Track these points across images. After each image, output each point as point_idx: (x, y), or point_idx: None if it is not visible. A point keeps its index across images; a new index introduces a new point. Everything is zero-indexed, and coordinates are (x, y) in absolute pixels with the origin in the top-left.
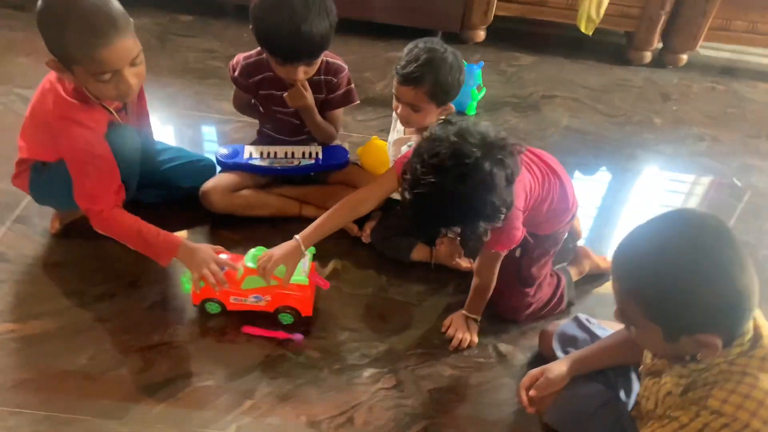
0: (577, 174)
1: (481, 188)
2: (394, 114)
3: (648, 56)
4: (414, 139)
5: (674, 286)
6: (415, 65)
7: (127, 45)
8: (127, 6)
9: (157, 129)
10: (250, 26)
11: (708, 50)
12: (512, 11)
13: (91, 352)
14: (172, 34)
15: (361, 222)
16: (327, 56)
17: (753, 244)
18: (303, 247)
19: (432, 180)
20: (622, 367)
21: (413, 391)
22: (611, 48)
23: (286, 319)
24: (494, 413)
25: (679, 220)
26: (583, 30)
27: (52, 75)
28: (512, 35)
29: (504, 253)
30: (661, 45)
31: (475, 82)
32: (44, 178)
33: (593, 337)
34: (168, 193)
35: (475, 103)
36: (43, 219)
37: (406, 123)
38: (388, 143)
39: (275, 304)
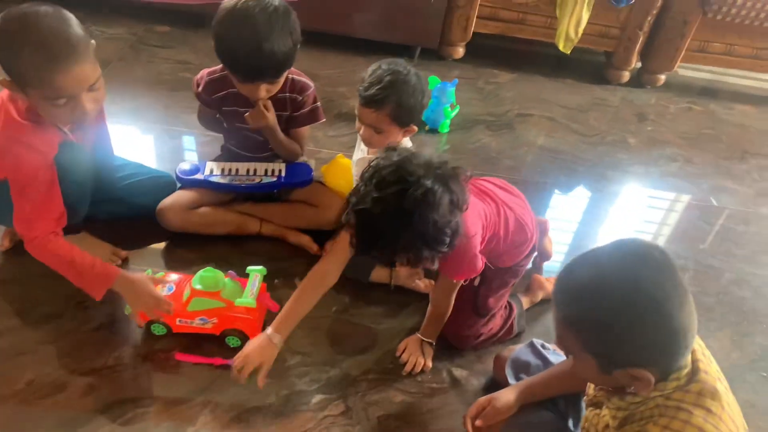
0: (548, 194)
1: (422, 205)
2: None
3: (626, 76)
4: None
5: (609, 321)
6: (377, 87)
7: (86, 71)
8: (103, 15)
9: (121, 142)
10: (213, 42)
11: (687, 71)
12: (492, 29)
13: (31, 376)
14: (147, 44)
15: (321, 240)
16: (293, 73)
17: (718, 267)
18: (277, 341)
19: (374, 196)
20: (573, 395)
21: (361, 418)
22: (591, 67)
23: (233, 342)
24: None
25: (622, 251)
26: (561, 49)
27: (4, 92)
28: (492, 52)
29: (462, 282)
30: (639, 65)
31: (449, 100)
32: None
33: (546, 363)
34: (126, 209)
35: (448, 121)
36: None
37: (368, 144)
38: (352, 162)
39: (222, 327)
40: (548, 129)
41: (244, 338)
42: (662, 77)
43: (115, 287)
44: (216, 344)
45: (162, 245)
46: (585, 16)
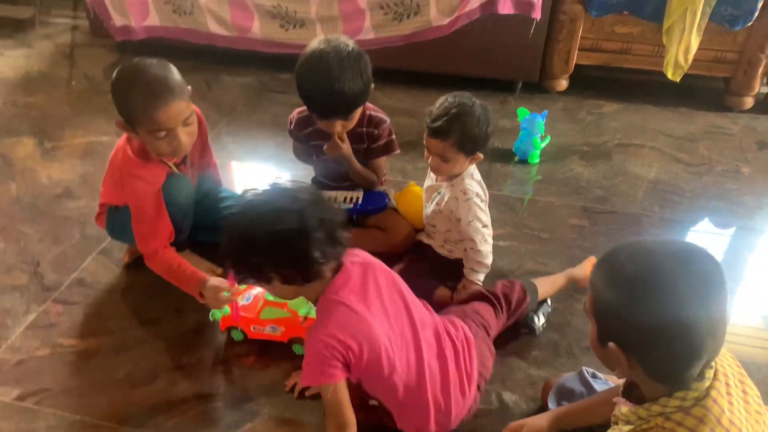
0: (637, 225)
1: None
2: None
3: (749, 102)
4: (444, 187)
5: (621, 290)
6: (444, 119)
7: (180, 107)
8: (237, 65)
9: (235, 176)
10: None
11: None
12: (594, 60)
13: (129, 368)
14: (270, 90)
15: (391, 263)
16: (369, 109)
17: None
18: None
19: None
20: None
21: None
22: (709, 94)
23: (299, 349)
24: None
25: (676, 246)
26: (670, 77)
27: (123, 136)
28: (598, 83)
29: (337, 384)
30: (766, 89)
31: (538, 131)
32: (117, 220)
33: (591, 391)
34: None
35: (538, 152)
36: (122, 252)
37: (436, 171)
38: (425, 188)
39: (288, 335)
40: (648, 158)
41: None
42: None
43: (202, 290)
44: (283, 350)
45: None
46: (695, 42)
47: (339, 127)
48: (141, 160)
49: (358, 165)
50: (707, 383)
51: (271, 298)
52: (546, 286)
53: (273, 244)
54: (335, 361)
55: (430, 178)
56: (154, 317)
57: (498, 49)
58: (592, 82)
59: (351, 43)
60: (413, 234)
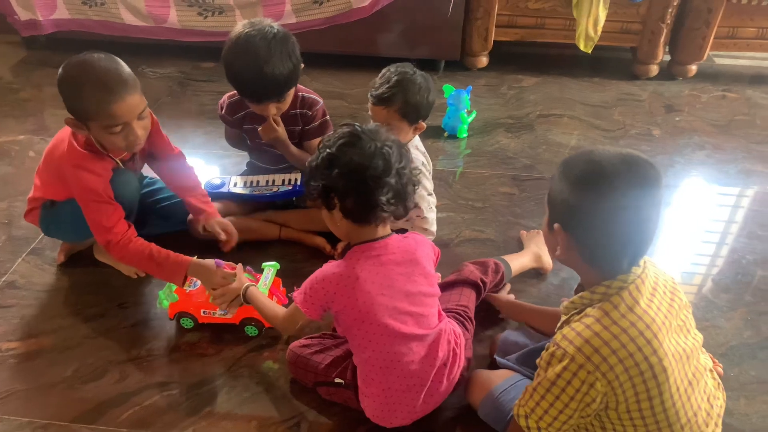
0: None
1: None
2: None
3: (655, 69)
4: None
5: (572, 182)
6: (386, 86)
7: (135, 100)
8: (155, 56)
9: None
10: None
11: (724, 59)
12: (512, 36)
13: (76, 365)
14: (193, 80)
15: (334, 240)
16: (302, 91)
17: (739, 249)
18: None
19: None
20: None
21: None
22: (620, 64)
23: (252, 331)
24: None
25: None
26: (582, 48)
27: (66, 130)
28: (517, 58)
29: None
30: (669, 57)
31: (464, 106)
32: (52, 216)
33: (533, 340)
34: (164, 226)
35: (465, 126)
36: (54, 251)
37: None
38: None
39: (240, 316)
40: (569, 127)
41: (261, 326)
42: (693, 67)
43: (189, 273)
44: (235, 333)
45: (195, 254)
46: (602, 15)
47: (273, 109)
48: (90, 154)
49: (293, 147)
50: (632, 277)
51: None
52: (516, 265)
53: (350, 172)
54: (317, 304)
55: None
56: (97, 313)
57: (419, 29)
58: (511, 58)
59: (276, 25)
60: None
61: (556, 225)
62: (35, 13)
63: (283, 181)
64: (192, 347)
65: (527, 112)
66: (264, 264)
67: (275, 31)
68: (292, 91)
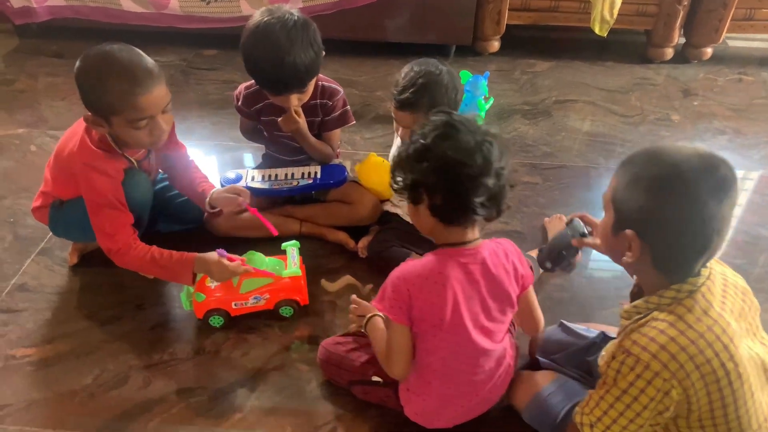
0: (586, 177)
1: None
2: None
3: (669, 53)
4: None
5: (647, 187)
6: (411, 91)
7: (162, 92)
8: (156, 44)
9: None
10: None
11: (738, 41)
12: (524, 19)
13: (97, 372)
14: (196, 68)
15: (357, 236)
16: (322, 80)
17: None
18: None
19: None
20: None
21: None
22: (633, 47)
23: (287, 312)
24: None
25: (695, 148)
26: (597, 32)
27: (80, 125)
28: (529, 43)
29: (393, 323)
30: (683, 40)
31: (482, 92)
32: (61, 215)
33: (577, 338)
34: (180, 223)
35: (483, 114)
36: (64, 250)
37: None
38: (390, 158)
39: (274, 300)
40: (586, 113)
41: (296, 306)
42: (709, 50)
43: (195, 269)
44: (261, 334)
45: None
46: None
47: (295, 101)
48: (104, 152)
49: (313, 139)
50: (702, 280)
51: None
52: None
53: (444, 168)
54: (402, 307)
55: (397, 147)
56: (114, 315)
57: (430, 13)
58: (522, 42)
59: (295, 12)
60: (379, 206)
61: (629, 231)
62: (29, 0)
63: (303, 174)
64: (216, 349)
65: (543, 98)
66: (284, 245)
67: (295, 18)
68: (313, 81)
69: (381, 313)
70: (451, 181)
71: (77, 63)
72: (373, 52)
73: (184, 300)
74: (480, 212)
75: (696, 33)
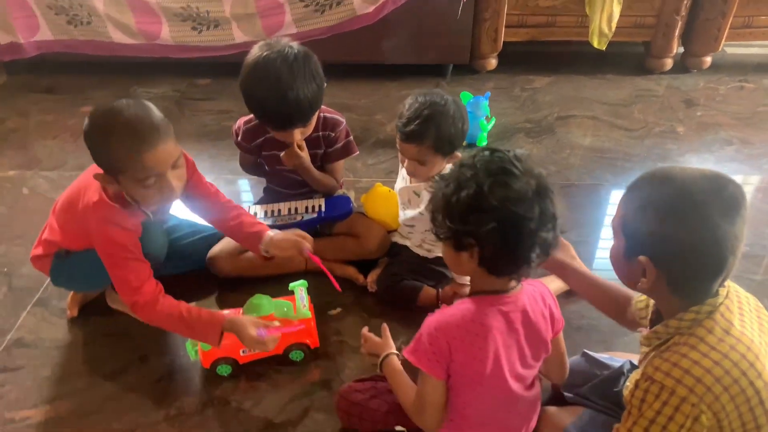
0: (596, 195)
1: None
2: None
3: (669, 63)
4: (423, 188)
5: (656, 212)
6: (416, 123)
7: (168, 148)
8: (147, 74)
9: None
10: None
11: (736, 48)
12: (522, 36)
13: None
14: (190, 98)
15: (366, 270)
16: (323, 111)
17: None
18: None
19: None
20: None
21: None
22: (630, 59)
23: (297, 356)
24: None
25: (702, 170)
26: (596, 45)
27: (92, 172)
28: (526, 58)
29: (430, 377)
30: (682, 50)
31: (483, 113)
32: (66, 265)
33: (600, 368)
34: (183, 266)
35: (485, 134)
36: (62, 300)
37: (413, 175)
38: (396, 189)
39: (285, 344)
40: (590, 128)
41: (307, 349)
42: (708, 59)
43: (224, 330)
44: (270, 381)
45: (214, 292)
46: (617, 10)
47: (298, 135)
48: (121, 207)
49: (316, 172)
50: (720, 299)
51: (254, 315)
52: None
53: (504, 220)
54: (440, 359)
55: (404, 179)
56: (118, 369)
57: (427, 33)
58: (519, 58)
59: (295, 44)
60: (388, 237)
61: (642, 258)
62: (16, 36)
63: (306, 208)
64: (226, 400)
65: (545, 115)
66: (291, 285)
67: (296, 51)
68: (316, 114)
69: (397, 352)
70: (511, 235)
71: (85, 121)
72: (370, 75)
73: (190, 349)
74: (533, 264)
75: (695, 42)
